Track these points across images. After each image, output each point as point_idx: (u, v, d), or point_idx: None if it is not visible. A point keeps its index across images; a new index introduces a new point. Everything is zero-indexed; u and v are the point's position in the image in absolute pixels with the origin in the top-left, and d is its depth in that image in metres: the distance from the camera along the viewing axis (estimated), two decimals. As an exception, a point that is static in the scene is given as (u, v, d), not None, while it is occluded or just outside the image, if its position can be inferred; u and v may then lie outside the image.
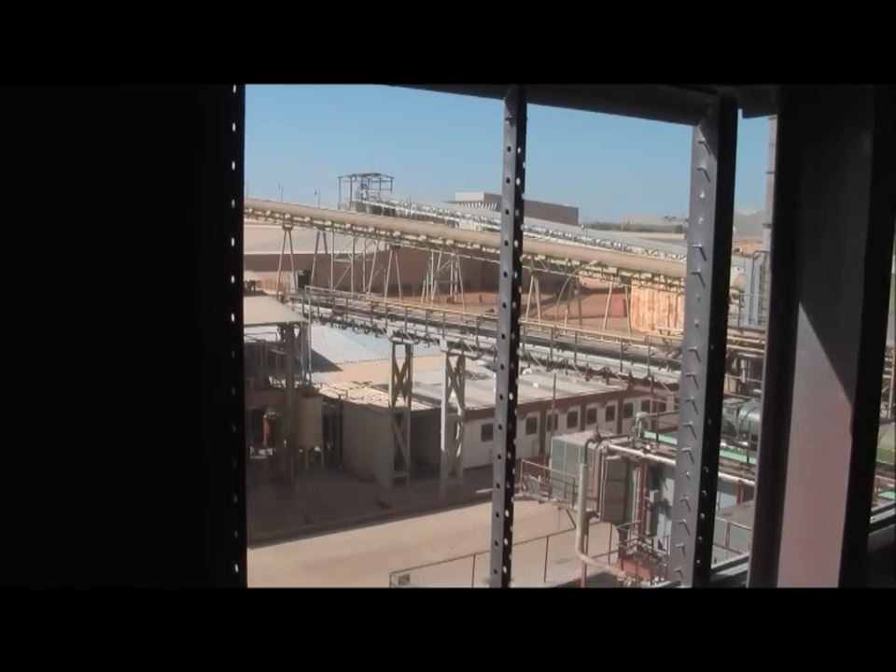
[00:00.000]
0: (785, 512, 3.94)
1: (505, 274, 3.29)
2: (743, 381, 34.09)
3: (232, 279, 2.26)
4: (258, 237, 60.43)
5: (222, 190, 2.21)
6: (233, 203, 2.24)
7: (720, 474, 4.25)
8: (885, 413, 25.36)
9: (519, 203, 3.25)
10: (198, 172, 2.13)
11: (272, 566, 27.23)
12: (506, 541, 3.36)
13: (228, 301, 2.26)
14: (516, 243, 3.26)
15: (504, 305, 3.30)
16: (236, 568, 2.35)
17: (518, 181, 3.24)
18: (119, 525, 2.10)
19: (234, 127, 2.23)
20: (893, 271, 3.84)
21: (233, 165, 2.23)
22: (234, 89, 2.22)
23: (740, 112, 3.87)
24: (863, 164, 3.59)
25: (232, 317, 2.28)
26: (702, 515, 3.97)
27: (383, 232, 63.87)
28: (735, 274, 32.96)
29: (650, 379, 35.63)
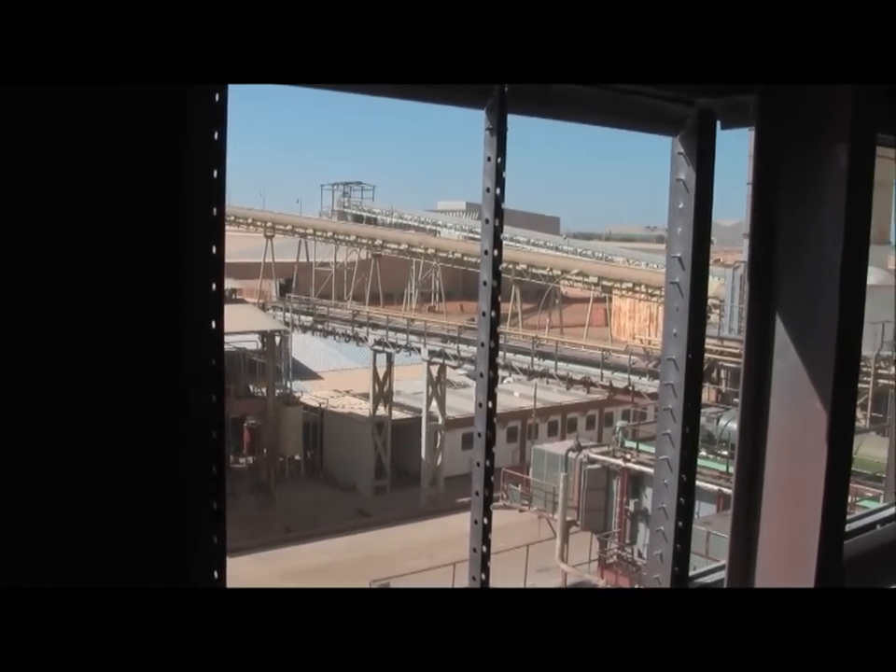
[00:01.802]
0: (762, 520, 3.97)
1: (485, 283, 3.30)
2: (723, 390, 34.25)
3: (213, 287, 2.27)
4: (239, 245, 60.20)
5: (204, 198, 2.22)
6: (215, 211, 2.25)
7: (699, 483, 4.27)
8: (863, 423, 25.51)
9: (499, 212, 3.27)
10: (184, 179, 2.14)
11: (251, 574, 27.07)
12: (484, 549, 3.37)
13: (209, 308, 2.27)
14: (496, 252, 3.28)
15: (483, 314, 3.32)
16: (216, 575, 2.36)
17: (498, 191, 3.25)
18: (98, 530, 2.10)
19: (217, 135, 2.24)
20: (868, 281, 3.88)
21: (215, 173, 2.25)
22: (217, 97, 2.24)
23: (718, 124, 3.91)
24: (840, 175, 3.62)
25: (213, 325, 2.28)
26: (680, 523, 3.99)
27: (364, 241, 63.84)
28: (716, 284, 33.12)
29: (630, 388, 35.72)
